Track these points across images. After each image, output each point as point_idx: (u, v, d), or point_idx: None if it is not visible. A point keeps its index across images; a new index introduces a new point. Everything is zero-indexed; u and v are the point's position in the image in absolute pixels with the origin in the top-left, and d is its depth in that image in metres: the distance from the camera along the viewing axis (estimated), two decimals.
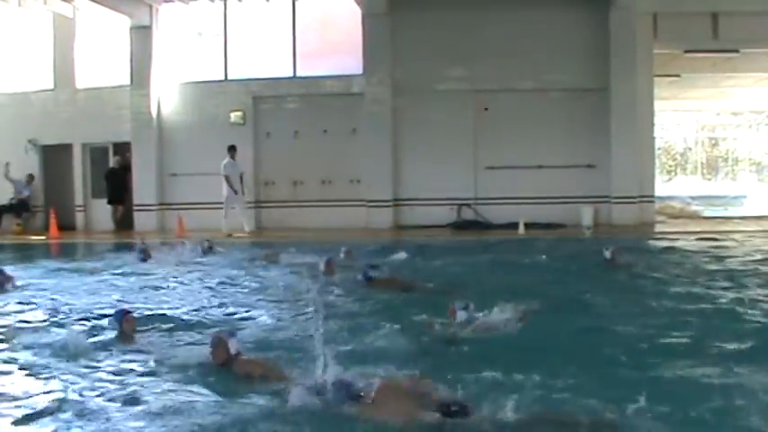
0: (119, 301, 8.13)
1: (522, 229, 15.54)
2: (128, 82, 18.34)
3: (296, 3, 18.04)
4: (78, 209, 19.04)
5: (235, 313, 7.51)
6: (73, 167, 19.06)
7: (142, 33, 18.18)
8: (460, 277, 9.56)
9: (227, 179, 16.42)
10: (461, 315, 6.16)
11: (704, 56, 18.61)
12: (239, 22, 18.35)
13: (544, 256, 11.29)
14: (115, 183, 18.38)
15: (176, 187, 18.29)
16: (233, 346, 5.13)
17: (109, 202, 18.37)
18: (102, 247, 14.84)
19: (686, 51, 18.24)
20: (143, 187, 18.30)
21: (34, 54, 19.37)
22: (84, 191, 19.13)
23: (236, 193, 16.48)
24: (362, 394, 4.14)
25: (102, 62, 18.91)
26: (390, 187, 17.59)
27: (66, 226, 18.25)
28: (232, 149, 16.59)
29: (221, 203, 16.55)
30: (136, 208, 18.39)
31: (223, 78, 18.36)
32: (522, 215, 15.94)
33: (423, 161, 17.46)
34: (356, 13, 17.51)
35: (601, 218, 17.02)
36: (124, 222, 18.27)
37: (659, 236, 15.42)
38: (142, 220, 18.21)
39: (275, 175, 18.17)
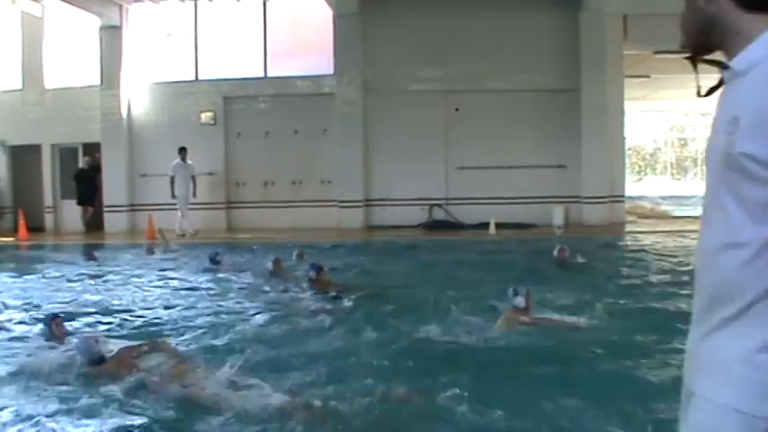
0: (55, 302, 8.17)
1: (493, 230, 15.60)
2: (97, 82, 18.17)
3: (267, 3, 17.99)
4: (48, 210, 18.81)
5: (165, 313, 7.61)
6: (42, 168, 18.80)
7: (112, 33, 18.02)
8: (406, 278, 9.66)
9: (172, 180, 16.35)
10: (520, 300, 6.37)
11: (673, 57, 18.74)
12: (210, 23, 18.25)
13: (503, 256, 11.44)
14: (85, 183, 18.19)
15: (146, 188, 18.13)
16: (92, 351, 5.15)
17: (78, 203, 18.21)
18: (60, 248, 14.79)
19: (656, 52, 18.37)
20: (113, 188, 18.14)
21: (2, 54, 19.10)
22: (54, 192, 18.90)
23: (173, 196, 16.34)
24: (105, 357, 4.53)
25: (71, 62, 18.70)
26: (361, 187, 17.57)
27: (36, 227, 18.04)
28: (182, 151, 16.51)
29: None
30: (106, 209, 18.22)
31: (194, 79, 18.25)
32: (494, 215, 16.00)
33: (394, 161, 17.47)
34: (327, 13, 17.46)
35: (572, 218, 17.09)
36: (94, 223, 18.12)
37: (625, 234, 15.58)
38: (112, 221, 18.07)
39: (246, 176, 18.10)
